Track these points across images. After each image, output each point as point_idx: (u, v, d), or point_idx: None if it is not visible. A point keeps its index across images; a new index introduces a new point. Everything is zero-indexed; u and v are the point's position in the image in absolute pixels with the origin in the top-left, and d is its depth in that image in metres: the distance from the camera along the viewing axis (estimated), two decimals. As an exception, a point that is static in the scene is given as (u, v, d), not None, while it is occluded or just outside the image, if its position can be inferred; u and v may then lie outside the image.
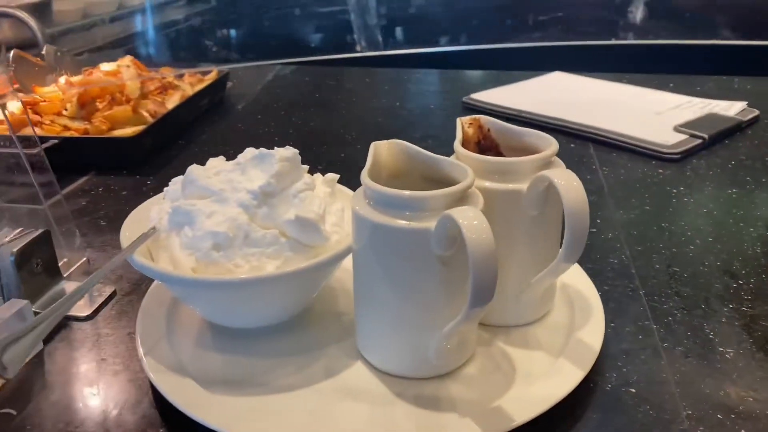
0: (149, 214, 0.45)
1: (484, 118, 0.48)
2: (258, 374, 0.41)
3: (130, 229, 0.44)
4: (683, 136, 0.81)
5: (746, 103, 0.91)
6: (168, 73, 0.97)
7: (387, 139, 0.42)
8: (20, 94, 0.82)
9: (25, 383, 0.43)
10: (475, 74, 1.18)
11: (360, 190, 0.40)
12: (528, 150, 0.44)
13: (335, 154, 0.82)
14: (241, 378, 0.41)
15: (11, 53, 0.87)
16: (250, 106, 1.04)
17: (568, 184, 0.37)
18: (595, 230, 0.61)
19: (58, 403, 0.41)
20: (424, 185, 0.41)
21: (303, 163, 0.45)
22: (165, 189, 0.47)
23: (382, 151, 0.42)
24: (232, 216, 0.41)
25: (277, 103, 1.06)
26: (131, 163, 0.77)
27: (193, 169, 0.44)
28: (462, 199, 0.37)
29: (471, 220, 0.33)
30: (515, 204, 0.41)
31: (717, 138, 0.82)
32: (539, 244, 0.43)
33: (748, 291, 0.51)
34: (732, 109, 0.90)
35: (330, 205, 0.45)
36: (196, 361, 0.42)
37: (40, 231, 0.50)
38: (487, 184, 0.41)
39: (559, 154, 0.43)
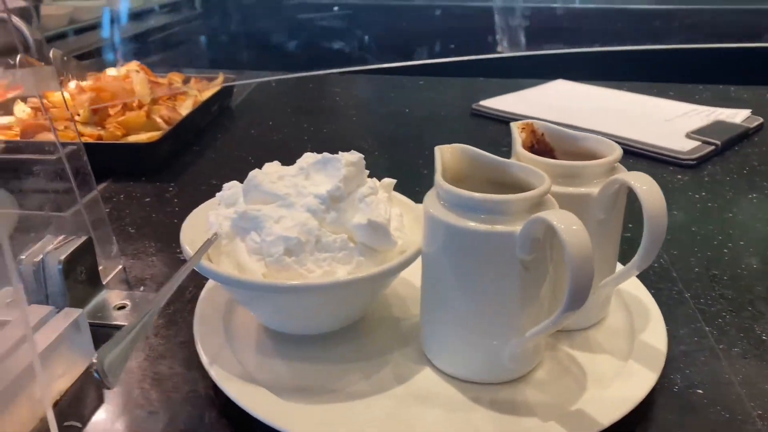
0: (206, 219, 0.44)
1: (537, 123, 0.48)
2: (327, 381, 0.40)
3: (189, 235, 0.43)
4: (696, 143, 0.83)
5: (750, 111, 0.93)
6: (176, 78, 0.95)
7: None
8: (32, 99, 0.79)
9: (83, 395, 0.41)
10: (478, 81, 1.18)
11: (432, 192, 0.40)
12: (585, 154, 0.45)
13: (354, 161, 0.81)
14: (311, 385, 0.40)
15: (17, 58, 0.84)
16: (258, 112, 1.03)
17: (647, 187, 0.38)
18: (629, 235, 0.61)
19: (122, 416, 0.40)
20: (489, 189, 0.41)
21: None
22: (218, 194, 0.46)
23: (446, 154, 0.42)
24: (302, 221, 0.40)
25: (285, 109, 1.05)
26: (148, 170, 0.76)
27: (257, 173, 0.43)
28: (540, 203, 0.37)
29: (568, 223, 0.33)
30: (585, 208, 0.41)
31: (727, 145, 0.83)
32: (603, 248, 0.43)
33: (789, 293, 0.52)
34: (737, 116, 0.92)
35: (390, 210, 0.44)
36: (262, 368, 0.41)
37: (84, 238, 0.48)
38: (554, 187, 0.41)
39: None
